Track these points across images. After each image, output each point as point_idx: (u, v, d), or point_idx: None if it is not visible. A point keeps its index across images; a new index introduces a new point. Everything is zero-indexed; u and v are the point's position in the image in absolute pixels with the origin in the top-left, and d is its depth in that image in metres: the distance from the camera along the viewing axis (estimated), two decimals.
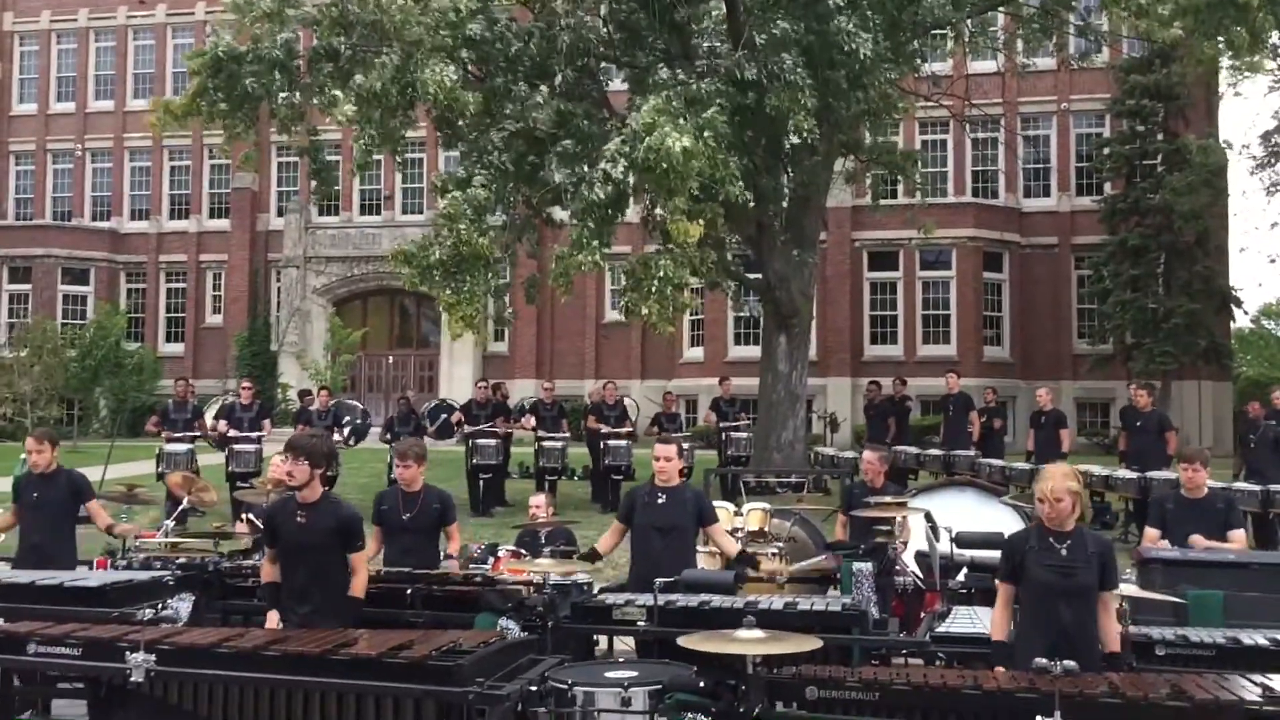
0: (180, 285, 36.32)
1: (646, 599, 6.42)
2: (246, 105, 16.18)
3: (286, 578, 6.09)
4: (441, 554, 7.57)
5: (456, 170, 15.76)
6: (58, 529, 7.84)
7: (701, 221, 13.97)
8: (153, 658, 5.18)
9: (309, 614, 5.96)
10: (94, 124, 37.10)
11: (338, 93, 14.48)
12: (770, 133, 16.14)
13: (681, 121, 13.28)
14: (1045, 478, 5.50)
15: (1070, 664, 4.48)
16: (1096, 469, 14.70)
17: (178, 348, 35.69)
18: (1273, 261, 39.48)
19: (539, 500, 9.72)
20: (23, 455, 8.90)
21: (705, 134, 13.23)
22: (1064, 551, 5.31)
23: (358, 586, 6.19)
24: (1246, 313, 36.80)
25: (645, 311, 14.32)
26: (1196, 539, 7.55)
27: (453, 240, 14.23)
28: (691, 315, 29.63)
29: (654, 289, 14.08)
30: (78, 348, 30.98)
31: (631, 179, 13.68)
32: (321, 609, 5.99)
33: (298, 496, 6.13)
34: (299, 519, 6.05)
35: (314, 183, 16.99)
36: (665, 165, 12.91)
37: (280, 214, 35.19)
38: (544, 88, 15.03)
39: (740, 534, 8.76)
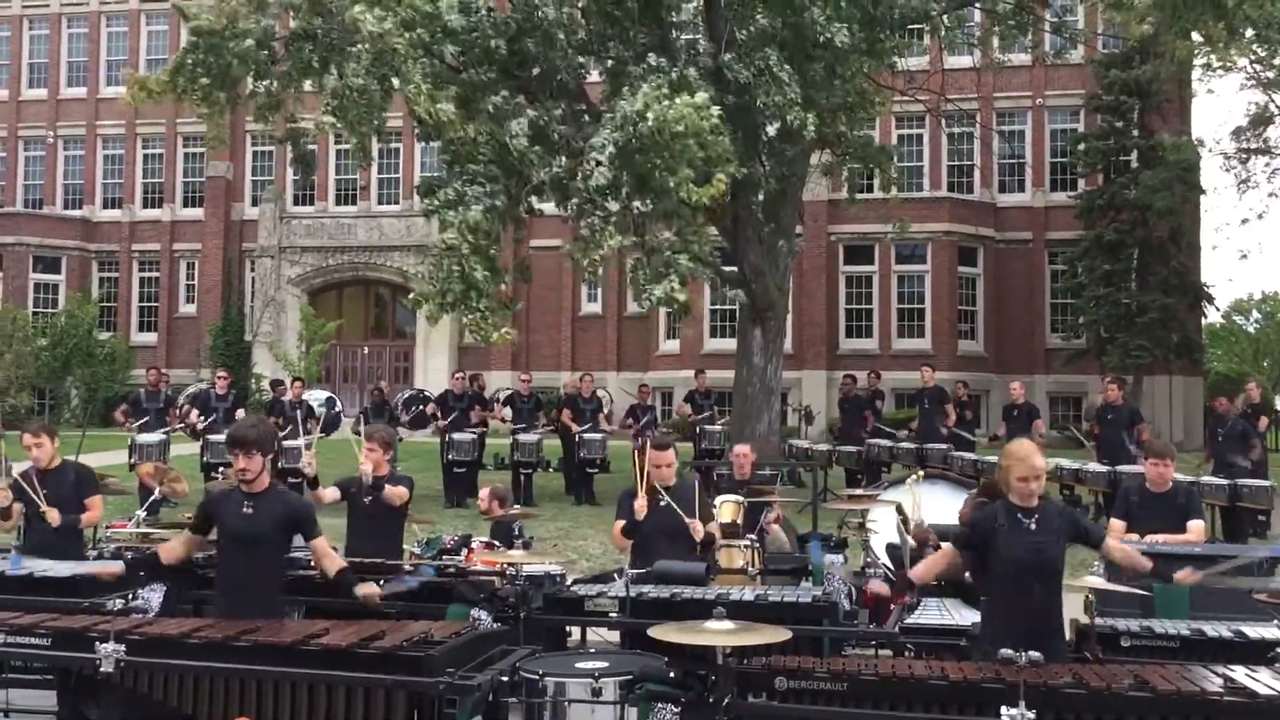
0: (153, 274, 36.07)
1: (618, 590, 6.44)
2: (228, 83, 15.98)
3: (226, 569, 5.91)
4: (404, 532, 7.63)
5: (442, 178, 15.64)
6: (65, 526, 7.48)
7: (721, 181, 13.97)
8: (123, 648, 5.15)
9: (239, 604, 5.74)
10: (66, 111, 36.77)
11: (326, 117, 14.46)
12: (747, 125, 16.17)
13: (677, 100, 13.36)
14: (1022, 455, 5.36)
15: (1035, 655, 4.52)
16: (1066, 462, 14.83)
17: (150, 337, 35.46)
18: (1243, 257, 39.85)
19: (483, 494, 9.69)
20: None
21: (701, 106, 13.33)
22: (1033, 527, 5.26)
23: (333, 567, 6.02)
24: (1218, 309, 37.20)
25: (659, 294, 14.36)
26: (1153, 538, 7.61)
27: (459, 273, 14.26)
28: (668, 308, 29.66)
29: (666, 274, 14.17)
30: (49, 337, 30.78)
31: (621, 169, 13.72)
32: (257, 602, 5.76)
33: (244, 487, 5.91)
34: (246, 510, 5.83)
35: (297, 170, 16.81)
36: (673, 132, 12.98)
37: (255, 203, 35.00)
38: (520, 98, 15.03)
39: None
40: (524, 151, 14.36)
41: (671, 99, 13.31)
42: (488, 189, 14.58)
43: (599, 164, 13.59)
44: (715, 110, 13.42)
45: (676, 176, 13.44)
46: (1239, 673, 4.66)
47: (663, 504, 7.32)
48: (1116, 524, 8.00)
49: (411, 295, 15.88)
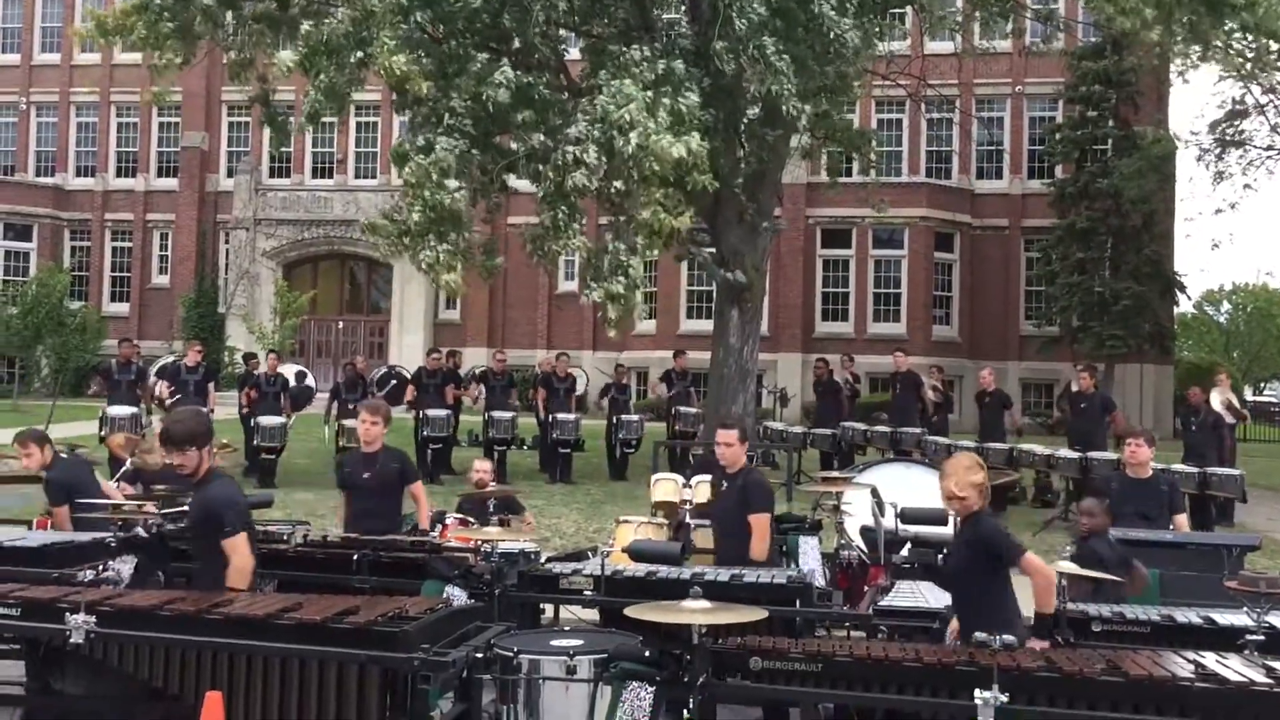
0: (126, 244, 35.73)
1: (594, 568, 6.44)
2: (189, 38, 15.54)
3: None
4: (408, 516, 7.62)
5: (412, 136, 15.34)
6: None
7: (685, 215, 13.86)
8: (93, 619, 5.11)
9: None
10: (39, 77, 36.27)
11: (284, 53, 13.99)
12: (729, 107, 16.09)
13: (662, 116, 13.06)
14: (947, 474, 5.36)
15: (1009, 638, 4.54)
16: (1039, 449, 14.94)
17: (122, 308, 35.13)
18: (1215, 246, 40.13)
19: (485, 465, 9.72)
20: None
21: (694, 133, 13.07)
22: (956, 538, 5.42)
23: (232, 575, 5.49)
24: (1190, 298, 37.48)
25: (607, 300, 14.18)
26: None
27: (420, 207, 13.90)
28: (645, 288, 29.60)
29: (614, 274, 13.95)
30: (19, 305, 30.43)
31: (604, 166, 13.47)
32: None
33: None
34: (189, 504, 5.83)
35: (267, 132, 16.21)
36: (655, 166, 12.78)
37: (230, 175, 34.67)
38: (505, 62, 14.76)
39: (688, 506, 8.80)
40: (504, 108, 14.00)
41: (654, 114, 13.01)
42: (459, 136, 14.19)
43: (578, 161, 13.31)
44: (699, 143, 13.08)
45: (646, 195, 13.21)
46: (1209, 659, 4.70)
47: (722, 487, 7.31)
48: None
49: (365, 220, 15.33)
